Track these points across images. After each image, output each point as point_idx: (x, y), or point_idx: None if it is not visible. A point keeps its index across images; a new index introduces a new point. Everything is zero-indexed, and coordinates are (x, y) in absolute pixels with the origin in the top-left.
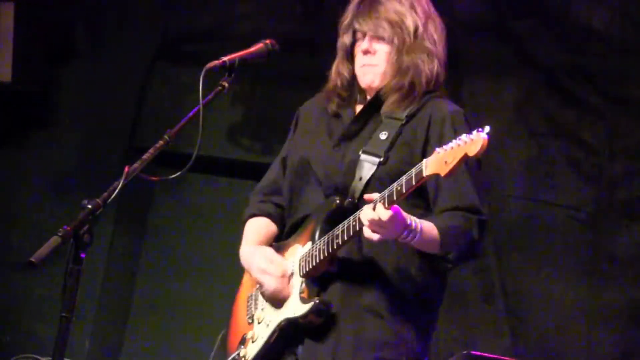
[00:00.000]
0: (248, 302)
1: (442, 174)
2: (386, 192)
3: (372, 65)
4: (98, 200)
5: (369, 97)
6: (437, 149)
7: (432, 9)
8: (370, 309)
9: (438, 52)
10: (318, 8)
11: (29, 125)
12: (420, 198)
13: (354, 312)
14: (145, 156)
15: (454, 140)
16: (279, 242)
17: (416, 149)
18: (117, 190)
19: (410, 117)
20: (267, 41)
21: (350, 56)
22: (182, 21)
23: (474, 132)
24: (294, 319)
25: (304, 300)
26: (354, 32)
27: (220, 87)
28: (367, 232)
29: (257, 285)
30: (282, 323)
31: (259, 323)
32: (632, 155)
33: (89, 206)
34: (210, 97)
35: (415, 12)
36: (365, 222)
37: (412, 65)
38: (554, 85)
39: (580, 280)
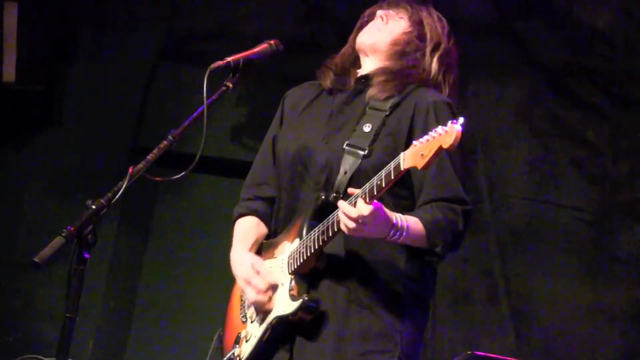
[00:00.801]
0: (242, 300)
1: (419, 167)
2: (367, 186)
3: (378, 29)
4: (102, 200)
5: (359, 74)
6: (414, 142)
7: (457, 61)
8: (360, 304)
9: (445, 85)
10: (322, 9)
11: (33, 125)
12: (405, 188)
13: (344, 307)
14: (150, 156)
15: (429, 132)
16: (269, 240)
17: (400, 140)
18: (121, 191)
19: (394, 108)
20: (271, 41)
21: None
22: (186, 21)
23: (449, 123)
24: (284, 317)
25: (293, 298)
26: (373, 14)
27: (224, 88)
28: (348, 230)
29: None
30: (273, 321)
31: (251, 322)
32: (635, 156)
33: (93, 206)
34: (214, 97)
35: (448, 41)
36: (345, 219)
37: (416, 54)
38: (557, 85)
39: (583, 280)
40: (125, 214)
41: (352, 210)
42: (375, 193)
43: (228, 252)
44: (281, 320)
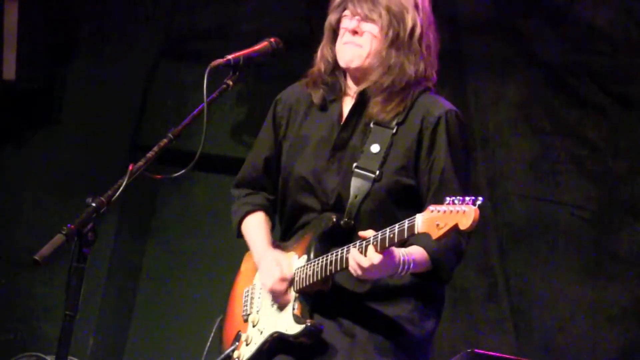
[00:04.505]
0: (245, 296)
1: (434, 237)
2: (379, 235)
3: (356, 44)
4: (102, 198)
5: (350, 94)
6: (431, 207)
7: (433, 18)
8: (365, 326)
9: (430, 60)
10: (322, 7)
11: (33, 124)
12: (412, 201)
13: (347, 332)
14: (149, 154)
15: (448, 201)
16: (276, 243)
17: (410, 156)
18: (121, 189)
19: (400, 124)
20: (272, 39)
21: (335, 38)
22: (186, 19)
23: (467, 200)
24: (285, 335)
25: (296, 319)
26: (343, 10)
27: (224, 86)
28: (356, 274)
29: (254, 283)
30: (275, 335)
31: (253, 326)
32: (635, 154)
33: (93, 204)
34: (214, 95)
35: (418, 12)
36: (355, 265)
37: (399, 63)
38: (558, 83)
39: (584, 278)
40: (125, 212)
41: (362, 260)
42: (386, 245)
43: (228, 249)
44: (282, 337)
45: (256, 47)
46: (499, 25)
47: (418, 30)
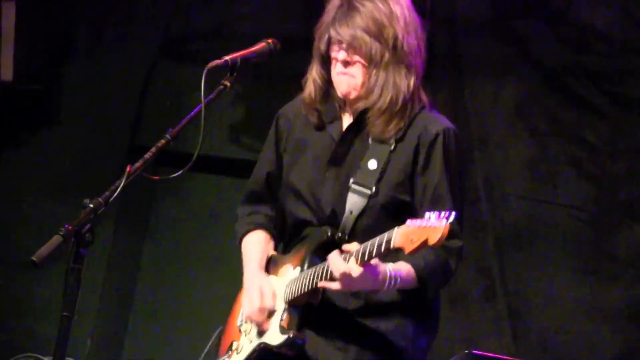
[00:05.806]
0: (242, 307)
1: (406, 251)
2: (360, 249)
3: (349, 75)
4: (100, 199)
5: (348, 111)
6: (408, 222)
7: (412, 10)
8: (357, 342)
9: (417, 61)
10: (320, 8)
11: (31, 124)
12: (409, 210)
13: (339, 347)
14: (147, 155)
15: (427, 216)
16: (277, 255)
17: (407, 172)
18: (118, 190)
19: (398, 141)
20: (269, 40)
21: (325, 61)
22: (184, 20)
23: (443, 216)
24: (269, 347)
25: (282, 330)
26: (330, 38)
27: (222, 87)
28: (337, 285)
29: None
30: (261, 345)
31: (245, 335)
32: (633, 155)
33: (91, 205)
34: (212, 96)
35: (396, 18)
36: (337, 274)
37: (391, 82)
38: (555, 84)
39: (581, 279)
40: (123, 213)
41: (340, 265)
42: (366, 259)
43: (226, 251)
44: (267, 348)
45: (254, 48)
46: (497, 26)
47: (400, 40)
